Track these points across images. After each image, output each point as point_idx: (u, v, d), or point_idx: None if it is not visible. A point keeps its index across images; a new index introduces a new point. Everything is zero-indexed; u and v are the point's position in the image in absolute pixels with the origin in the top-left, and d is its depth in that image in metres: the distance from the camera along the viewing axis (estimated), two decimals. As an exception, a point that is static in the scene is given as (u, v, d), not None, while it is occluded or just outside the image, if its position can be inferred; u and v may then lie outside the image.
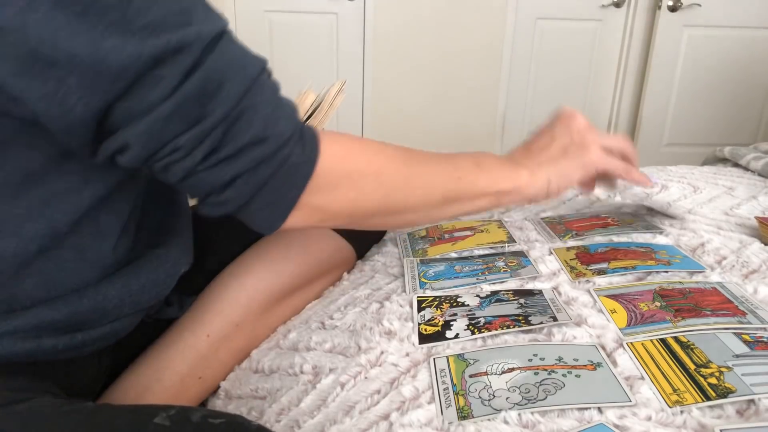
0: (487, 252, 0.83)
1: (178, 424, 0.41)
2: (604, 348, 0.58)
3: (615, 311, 0.64)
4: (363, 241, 0.87)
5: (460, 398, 0.52)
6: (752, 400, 0.50)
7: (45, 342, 0.52)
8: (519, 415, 0.49)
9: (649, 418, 0.49)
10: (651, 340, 0.59)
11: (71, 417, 0.44)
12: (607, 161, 0.71)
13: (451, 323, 0.63)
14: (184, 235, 0.66)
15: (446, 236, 0.88)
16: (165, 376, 0.65)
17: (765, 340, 0.58)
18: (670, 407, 0.50)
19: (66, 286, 0.53)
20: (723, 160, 1.43)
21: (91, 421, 0.44)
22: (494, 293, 0.69)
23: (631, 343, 0.58)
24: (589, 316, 0.63)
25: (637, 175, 0.74)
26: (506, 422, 0.48)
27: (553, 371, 0.54)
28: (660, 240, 0.84)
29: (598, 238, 0.85)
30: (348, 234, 0.83)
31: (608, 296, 0.67)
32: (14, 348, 0.50)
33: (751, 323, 0.61)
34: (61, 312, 0.53)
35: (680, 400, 0.50)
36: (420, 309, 0.67)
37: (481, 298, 0.68)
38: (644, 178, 0.75)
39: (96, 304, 0.55)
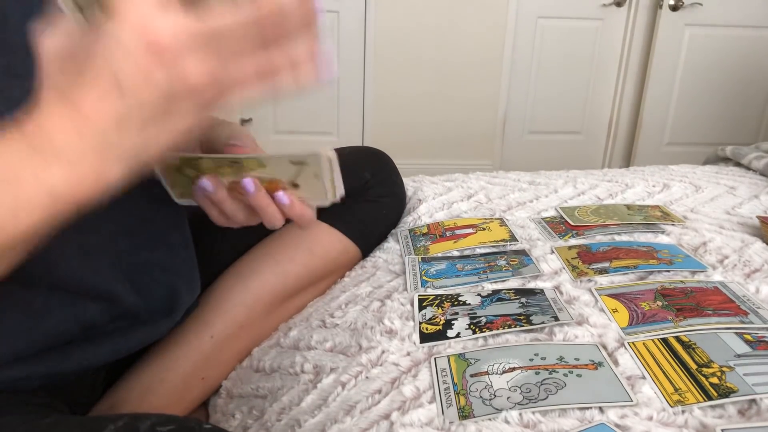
0: (488, 250, 0.82)
1: None
2: (605, 347, 0.58)
3: (616, 310, 0.64)
4: (369, 242, 0.86)
5: (461, 398, 0.52)
6: (754, 400, 0.50)
7: (21, 384, 0.51)
8: (520, 414, 0.49)
9: (650, 418, 0.49)
10: (652, 340, 0.58)
11: None
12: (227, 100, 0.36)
13: (453, 322, 0.63)
14: (189, 277, 0.64)
15: (448, 234, 0.88)
16: (168, 377, 0.65)
17: (767, 339, 0.58)
18: (671, 407, 0.50)
19: (47, 342, 0.52)
20: (724, 160, 1.42)
21: None
22: (496, 292, 0.69)
23: (633, 342, 0.58)
24: (590, 316, 0.63)
25: None
26: (507, 422, 0.48)
27: (555, 371, 0.54)
28: (662, 239, 0.84)
29: (599, 237, 0.85)
30: (354, 235, 0.82)
31: (610, 295, 0.67)
32: None
33: (753, 323, 0.61)
34: (41, 371, 0.51)
35: (682, 399, 0.50)
36: (421, 307, 0.67)
37: (482, 297, 0.68)
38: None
39: (82, 364, 0.54)
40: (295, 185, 0.48)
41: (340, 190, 0.50)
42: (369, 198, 0.87)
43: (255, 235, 0.79)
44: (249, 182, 0.47)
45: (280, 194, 0.48)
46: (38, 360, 0.51)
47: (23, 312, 0.49)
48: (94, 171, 0.35)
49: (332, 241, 0.80)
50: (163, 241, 0.60)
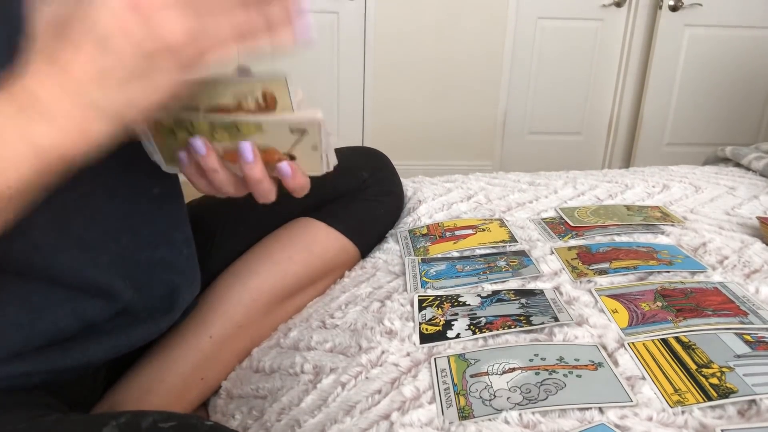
0: (488, 251, 0.83)
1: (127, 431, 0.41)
2: (605, 348, 0.58)
3: (616, 311, 0.64)
4: (368, 241, 0.87)
5: (461, 398, 0.52)
6: (753, 401, 0.50)
7: (20, 380, 0.51)
8: (520, 415, 0.49)
9: (650, 419, 0.49)
10: (652, 340, 0.58)
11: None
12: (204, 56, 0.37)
13: (452, 323, 0.63)
14: (189, 275, 0.64)
15: (447, 235, 0.88)
16: (167, 377, 0.65)
17: (766, 340, 0.58)
18: (671, 407, 0.50)
19: (47, 338, 0.52)
20: (724, 160, 1.42)
21: None
22: (495, 293, 0.69)
23: (633, 343, 0.58)
24: (590, 316, 0.63)
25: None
26: (507, 422, 0.48)
27: (554, 371, 0.54)
28: (662, 240, 0.84)
29: (599, 238, 0.85)
30: (352, 234, 0.82)
31: (610, 296, 0.67)
32: None
33: (752, 323, 0.61)
34: (40, 368, 0.51)
35: (681, 400, 0.50)
36: (421, 308, 0.67)
37: (482, 297, 0.68)
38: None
39: (82, 361, 0.54)
40: (292, 157, 0.46)
41: (333, 161, 0.49)
42: (367, 197, 0.87)
43: (254, 234, 0.80)
44: (247, 148, 0.45)
45: (284, 165, 0.46)
46: (38, 356, 0.51)
47: (22, 307, 0.49)
48: (79, 127, 0.35)
49: (330, 240, 0.80)
50: (165, 239, 0.60)
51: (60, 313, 0.51)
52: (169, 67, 0.36)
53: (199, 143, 0.45)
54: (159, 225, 0.59)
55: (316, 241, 0.79)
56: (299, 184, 0.48)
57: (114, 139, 0.38)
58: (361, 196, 0.86)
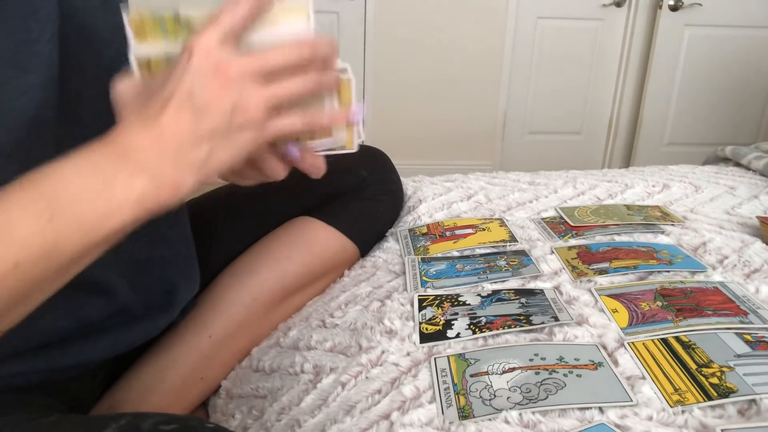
0: (488, 251, 0.82)
1: None
2: (605, 347, 0.58)
3: (616, 311, 0.64)
4: (367, 240, 0.87)
5: (461, 398, 0.52)
6: (754, 400, 0.50)
7: (19, 380, 0.51)
8: (520, 414, 0.49)
9: (650, 418, 0.49)
10: (652, 340, 0.58)
11: None
12: (278, 127, 0.41)
13: (453, 322, 0.63)
14: (188, 274, 0.64)
15: (447, 234, 0.88)
16: (167, 377, 0.65)
17: (767, 339, 0.58)
18: (671, 407, 0.50)
19: (45, 337, 0.51)
20: (724, 160, 1.42)
21: None
22: (495, 292, 0.69)
23: (633, 342, 0.58)
24: (590, 316, 0.63)
25: (330, 117, 0.46)
26: (507, 422, 0.48)
27: (554, 371, 0.54)
28: (662, 239, 0.84)
29: (599, 238, 0.85)
30: (352, 233, 0.82)
31: (610, 296, 0.67)
32: None
33: (752, 323, 0.61)
34: (39, 367, 0.51)
35: (681, 399, 0.50)
36: (421, 308, 0.67)
37: (482, 297, 0.68)
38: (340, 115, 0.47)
39: (80, 360, 0.54)
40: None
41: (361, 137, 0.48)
42: (366, 196, 0.87)
43: (253, 234, 0.79)
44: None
45: (290, 148, 0.45)
46: (36, 355, 0.51)
47: None
48: (173, 181, 0.39)
49: (330, 240, 0.80)
50: (163, 238, 0.60)
51: (58, 311, 0.51)
52: (246, 134, 0.40)
53: (294, 150, 0.46)
54: (158, 224, 0.59)
55: (316, 240, 0.79)
56: (308, 164, 0.47)
57: (195, 190, 0.41)
58: (360, 195, 0.86)
